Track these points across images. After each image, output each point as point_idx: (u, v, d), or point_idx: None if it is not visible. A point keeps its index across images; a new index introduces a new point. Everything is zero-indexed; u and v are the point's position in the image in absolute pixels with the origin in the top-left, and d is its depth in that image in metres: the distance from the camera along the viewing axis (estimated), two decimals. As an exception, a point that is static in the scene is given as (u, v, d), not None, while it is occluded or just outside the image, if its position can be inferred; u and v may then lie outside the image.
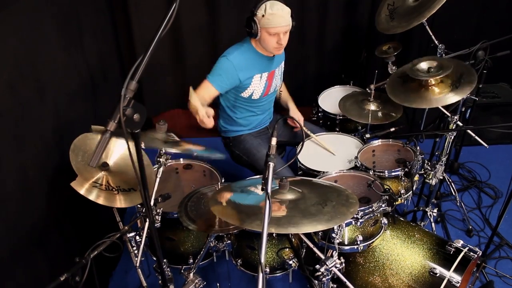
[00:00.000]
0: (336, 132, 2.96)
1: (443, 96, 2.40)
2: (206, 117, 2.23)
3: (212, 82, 2.49)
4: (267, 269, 2.25)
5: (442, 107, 2.50)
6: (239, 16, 2.74)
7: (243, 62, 2.54)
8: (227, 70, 2.50)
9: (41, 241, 2.03)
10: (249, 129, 2.87)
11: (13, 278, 1.81)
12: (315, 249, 2.04)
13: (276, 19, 2.38)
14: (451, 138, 2.60)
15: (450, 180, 3.24)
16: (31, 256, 1.96)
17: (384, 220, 2.18)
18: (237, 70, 2.51)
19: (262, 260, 1.27)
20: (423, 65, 2.50)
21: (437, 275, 2.04)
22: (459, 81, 2.41)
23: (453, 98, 2.37)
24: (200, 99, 2.27)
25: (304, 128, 2.51)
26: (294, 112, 2.98)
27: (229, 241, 2.25)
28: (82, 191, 1.96)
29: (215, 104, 2.80)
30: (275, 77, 2.73)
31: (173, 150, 2.02)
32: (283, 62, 2.83)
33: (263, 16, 2.37)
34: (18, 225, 1.85)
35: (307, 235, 2.14)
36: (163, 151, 2.17)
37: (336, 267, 1.91)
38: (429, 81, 2.45)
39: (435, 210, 2.86)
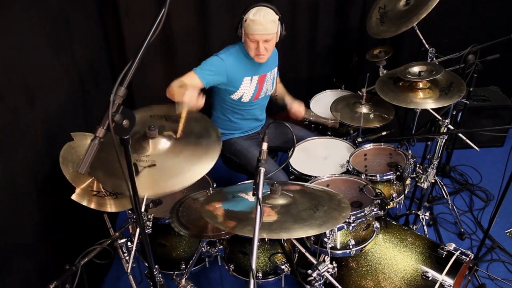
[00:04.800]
0: (328, 137, 2.96)
1: (430, 100, 2.45)
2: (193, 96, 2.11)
3: (198, 74, 2.44)
4: (260, 274, 2.25)
5: (433, 110, 2.51)
6: (230, 19, 2.74)
7: (234, 64, 2.55)
8: (218, 67, 2.50)
9: (31, 248, 2.01)
10: (239, 133, 2.87)
11: (2, 286, 1.78)
12: (307, 254, 2.03)
13: (255, 26, 2.39)
14: (442, 141, 2.61)
15: (442, 183, 3.25)
16: (20, 264, 1.93)
17: (376, 224, 2.18)
18: (227, 70, 2.52)
19: (253, 266, 1.26)
20: (415, 68, 2.53)
21: (430, 278, 2.04)
22: (448, 89, 2.44)
23: (440, 103, 2.42)
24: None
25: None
26: (292, 104, 2.91)
27: (221, 246, 2.24)
28: (73, 196, 1.95)
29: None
30: (266, 81, 2.73)
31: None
32: (276, 68, 2.83)
33: (245, 20, 2.40)
34: (7, 233, 1.83)
35: (300, 239, 2.14)
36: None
37: (328, 272, 1.91)
38: (418, 84, 2.47)
39: (427, 214, 2.88)
